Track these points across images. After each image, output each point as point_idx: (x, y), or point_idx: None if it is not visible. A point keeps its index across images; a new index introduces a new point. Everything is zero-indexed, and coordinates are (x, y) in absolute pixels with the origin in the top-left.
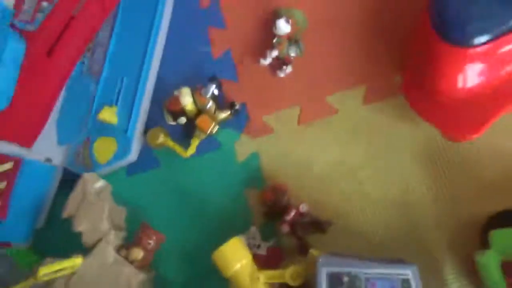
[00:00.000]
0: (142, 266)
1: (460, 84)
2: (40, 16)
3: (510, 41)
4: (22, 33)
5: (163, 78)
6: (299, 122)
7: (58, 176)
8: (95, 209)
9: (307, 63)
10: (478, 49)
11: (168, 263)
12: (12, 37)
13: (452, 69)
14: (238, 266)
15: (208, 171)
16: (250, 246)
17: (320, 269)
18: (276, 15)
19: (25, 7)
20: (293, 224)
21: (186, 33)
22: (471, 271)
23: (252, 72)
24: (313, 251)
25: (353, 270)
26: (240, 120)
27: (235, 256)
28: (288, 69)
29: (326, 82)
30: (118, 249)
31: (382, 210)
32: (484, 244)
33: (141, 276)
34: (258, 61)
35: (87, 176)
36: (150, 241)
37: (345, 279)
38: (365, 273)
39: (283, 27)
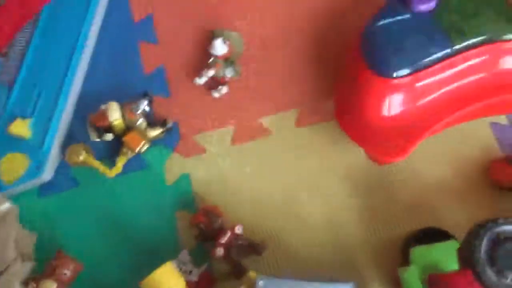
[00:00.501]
0: None
1: (384, 112)
2: None
3: (428, 75)
4: None
5: (88, 92)
6: (232, 143)
7: None
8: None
9: (242, 85)
10: (400, 80)
11: None
12: None
13: (377, 98)
14: None
15: (134, 193)
16: (181, 273)
17: None
18: (213, 36)
19: None
20: (227, 247)
21: (116, 46)
22: (397, 287)
23: (185, 90)
24: (251, 273)
25: None
26: (171, 138)
27: (168, 284)
28: (224, 89)
29: (260, 104)
30: (26, 283)
31: (315, 231)
32: (406, 260)
33: None
34: (193, 80)
35: None
36: (66, 271)
37: None
38: None
39: (219, 47)
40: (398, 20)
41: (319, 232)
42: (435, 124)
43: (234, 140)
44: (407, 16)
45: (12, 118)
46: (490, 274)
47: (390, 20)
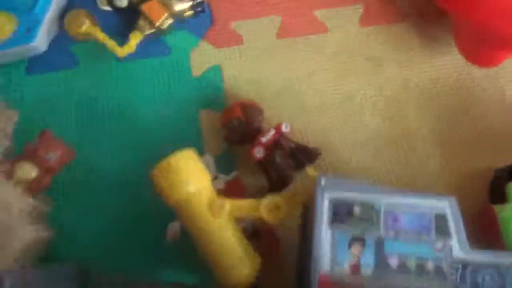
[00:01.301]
0: (32, 189)
1: None
2: None
3: None
4: None
5: None
6: (278, 36)
7: None
8: None
9: None
10: None
11: (78, 197)
12: None
13: None
14: (194, 187)
15: (149, 81)
16: None
17: (321, 194)
18: None
19: None
20: (269, 152)
21: None
22: (485, 227)
23: None
24: (310, 170)
25: (368, 197)
26: (201, 22)
27: (191, 173)
28: None
29: None
30: None
31: (380, 145)
32: (497, 198)
33: (29, 201)
34: None
35: None
36: (51, 154)
37: (357, 209)
38: (385, 204)
39: None
40: None
41: (382, 144)
42: None
43: (280, 33)
44: None
45: None
46: None
47: None
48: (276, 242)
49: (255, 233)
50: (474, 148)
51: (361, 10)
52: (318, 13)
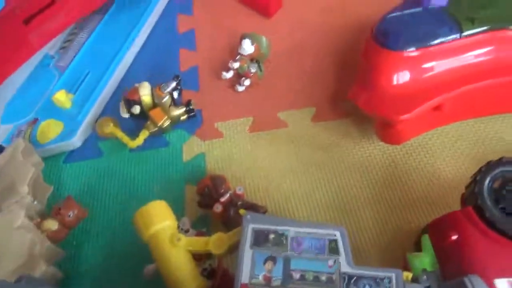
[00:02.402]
0: (53, 239)
1: (394, 81)
2: None
3: (435, 53)
4: None
5: (128, 80)
6: (249, 131)
7: None
8: (19, 171)
9: (264, 83)
10: (408, 54)
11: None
12: None
13: (389, 69)
14: (159, 226)
15: (151, 165)
16: (179, 231)
17: (246, 225)
18: (242, 37)
19: None
20: (226, 207)
21: (159, 49)
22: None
23: (213, 86)
24: (242, 211)
25: (280, 228)
26: (193, 124)
27: (159, 216)
28: (247, 82)
29: (279, 101)
30: (30, 219)
31: (324, 213)
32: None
33: (47, 245)
34: (221, 74)
35: (21, 140)
36: (70, 213)
37: (271, 236)
38: (292, 231)
39: (247, 47)
40: (410, 12)
41: (328, 216)
42: (437, 96)
43: (251, 129)
44: (419, 10)
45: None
46: (491, 207)
47: (402, 12)
48: (230, 279)
49: (213, 273)
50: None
51: (313, 111)
52: (280, 114)
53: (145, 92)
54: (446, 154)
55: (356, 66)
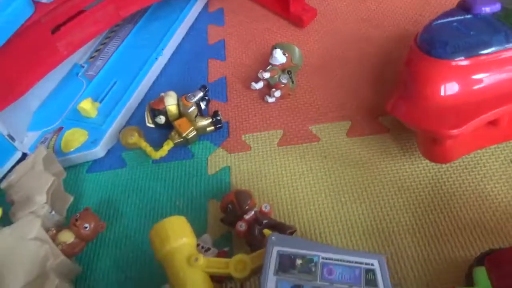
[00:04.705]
0: (68, 252)
1: (440, 92)
2: None
3: (486, 63)
4: (36, 3)
5: (156, 91)
6: (278, 144)
7: (15, 158)
8: (39, 180)
9: (295, 96)
10: (456, 63)
11: (104, 263)
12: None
13: (434, 79)
14: (177, 243)
15: (174, 178)
16: (199, 250)
17: (271, 248)
18: (274, 47)
19: None
20: (251, 226)
21: (188, 60)
22: None
23: (242, 97)
24: (267, 231)
25: (309, 252)
26: (220, 136)
27: (176, 232)
28: (277, 93)
29: (312, 114)
30: (47, 230)
31: (359, 238)
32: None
33: (61, 259)
34: (250, 84)
35: (43, 148)
36: (87, 225)
37: (298, 262)
38: (322, 258)
39: (278, 56)
40: (458, 19)
41: (364, 241)
42: (489, 111)
43: (280, 142)
44: (468, 16)
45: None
46: None
47: (450, 19)
48: None
49: None
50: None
51: (349, 125)
52: (313, 128)
53: (170, 102)
54: (500, 176)
55: (394, 79)
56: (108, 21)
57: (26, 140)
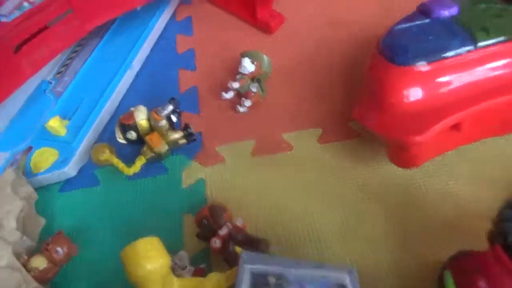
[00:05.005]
0: (41, 279)
1: (404, 98)
2: (16, 13)
3: (448, 67)
4: None
5: (125, 104)
6: (252, 154)
7: None
8: (8, 205)
9: (266, 104)
10: (419, 69)
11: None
12: None
13: (398, 85)
14: (151, 266)
15: (148, 194)
16: (175, 268)
17: (243, 267)
18: (242, 56)
19: (8, 3)
20: (225, 242)
21: (158, 71)
22: None
23: (213, 107)
24: (238, 248)
25: (281, 269)
26: (192, 148)
27: (151, 254)
28: (247, 103)
29: (283, 122)
30: (18, 256)
31: (330, 245)
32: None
33: (34, 286)
34: (221, 95)
35: (10, 171)
36: (59, 249)
37: (271, 280)
38: (295, 274)
39: (247, 65)
40: (418, 23)
41: (339, 249)
42: (451, 115)
43: (254, 152)
44: (427, 20)
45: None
46: None
47: (410, 23)
48: None
49: None
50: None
51: (320, 132)
52: (285, 136)
53: (141, 117)
54: (472, 179)
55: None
56: (73, 36)
57: None
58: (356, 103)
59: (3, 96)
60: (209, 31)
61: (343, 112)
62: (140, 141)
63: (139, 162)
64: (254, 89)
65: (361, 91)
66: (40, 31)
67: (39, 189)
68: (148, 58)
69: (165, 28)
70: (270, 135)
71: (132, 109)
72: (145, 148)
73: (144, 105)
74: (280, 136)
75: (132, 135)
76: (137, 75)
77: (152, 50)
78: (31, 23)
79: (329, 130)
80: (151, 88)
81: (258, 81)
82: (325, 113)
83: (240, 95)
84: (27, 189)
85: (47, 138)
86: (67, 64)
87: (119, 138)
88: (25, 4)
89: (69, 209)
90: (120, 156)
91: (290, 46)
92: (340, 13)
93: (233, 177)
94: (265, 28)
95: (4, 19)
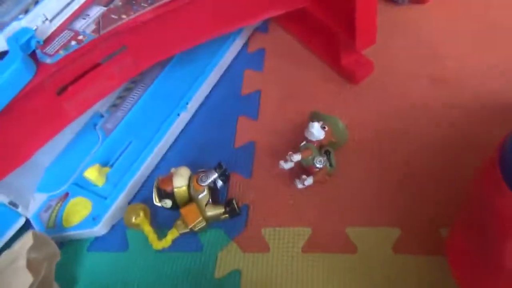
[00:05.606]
0: None
1: None
2: (62, 53)
3: None
4: (39, 64)
5: (173, 155)
6: (304, 249)
7: (18, 225)
8: (18, 278)
9: (334, 182)
10: None
11: None
12: (20, 61)
13: None
14: None
15: (177, 275)
16: None
17: None
18: (312, 118)
19: (55, 42)
20: None
21: (215, 117)
22: None
23: (268, 174)
24: None
25: None
26: (235, 224)
27: None
28: (308, 181)
29: (351, 211)
30: None
31: None
32: None
33: None
34: (278, 164)
35: (30, 236)
36: None
37: None
38: None
39: (315, 131)
40: None
41: None
42: None
43: (307, 246)
44: None
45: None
46: None
47: None
48: None
49: None
50: None
51: (397, 234)
52: (349, 230)
53: (180, 183)
54: None
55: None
56: (123, 75)
57: (32, 204)
58: (452, 228)
59: (45, 139)
60: (281, 69)
61: (435, 214)
62: (178, 207)
63: (171, 236)
64: (319, 165)
65: (462, 210)
66: (86, 72)
67: (66, 243)
68: (209, 95)
69: (234, 59)
70: (331, 226)
71: (172, 170)
72: (179, 222)
73: (191, 158)
74: (344, 230)
75: (167, 204)
76: (193, 116)
77: (215, 85)
78: (76, 65)
79: (410, 234)
80: (204, 136)
81: (327, 152)
82: (408, 210)
83: (302, 167)
84: (51, 249)
85: (84, 185)
86: (122, 96)
87: (155, 201)
88: (73, 43)
89: (93, 271)
90: (156, 219)
91: (376, 104)
92: (449, 68)
93: (275, 274)
94: (348, 77)
95: (48, 60)
